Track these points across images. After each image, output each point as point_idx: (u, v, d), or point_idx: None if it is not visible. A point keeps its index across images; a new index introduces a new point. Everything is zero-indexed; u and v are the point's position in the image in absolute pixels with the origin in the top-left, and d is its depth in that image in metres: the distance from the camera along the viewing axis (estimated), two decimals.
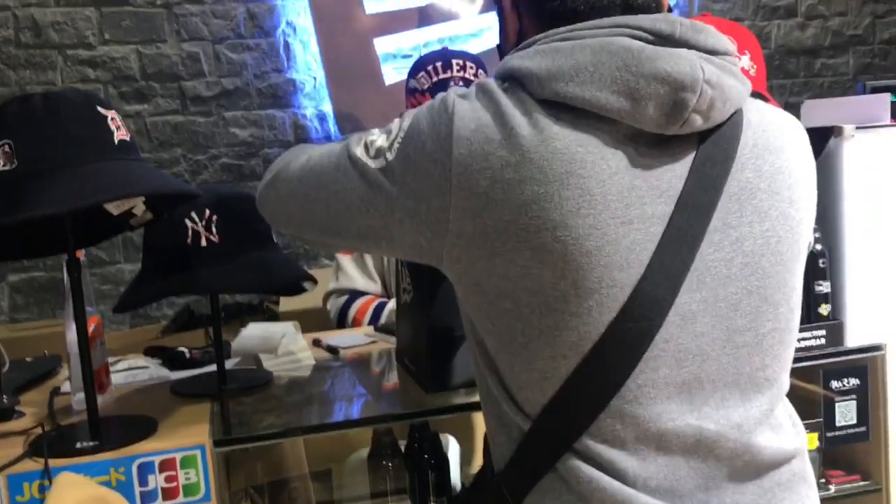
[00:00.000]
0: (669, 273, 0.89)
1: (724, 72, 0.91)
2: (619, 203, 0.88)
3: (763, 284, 0.94)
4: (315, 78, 3.38)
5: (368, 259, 2.12)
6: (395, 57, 3.44)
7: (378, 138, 0.99)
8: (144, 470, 1.22)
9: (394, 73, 3.43)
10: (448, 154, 0.90)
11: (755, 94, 1.67)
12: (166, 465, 1.23)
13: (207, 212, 1.45)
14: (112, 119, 1.21)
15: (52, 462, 1.19)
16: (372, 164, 0.97)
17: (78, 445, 1.24)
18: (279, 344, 1.75)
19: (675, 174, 0.91)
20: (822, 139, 1.56)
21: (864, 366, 1.60)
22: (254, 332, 1.77)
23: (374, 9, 3.36)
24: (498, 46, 1.10)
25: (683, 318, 0.90)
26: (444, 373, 1.36)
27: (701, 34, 0.92)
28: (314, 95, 3.39)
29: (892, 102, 1.69)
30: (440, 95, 0.96)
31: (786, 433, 0.99)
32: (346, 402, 1.48)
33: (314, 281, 1.55)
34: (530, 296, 0.89)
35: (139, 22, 3.28)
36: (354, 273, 2.13)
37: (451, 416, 1.43)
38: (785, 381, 1.00)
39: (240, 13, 3.33)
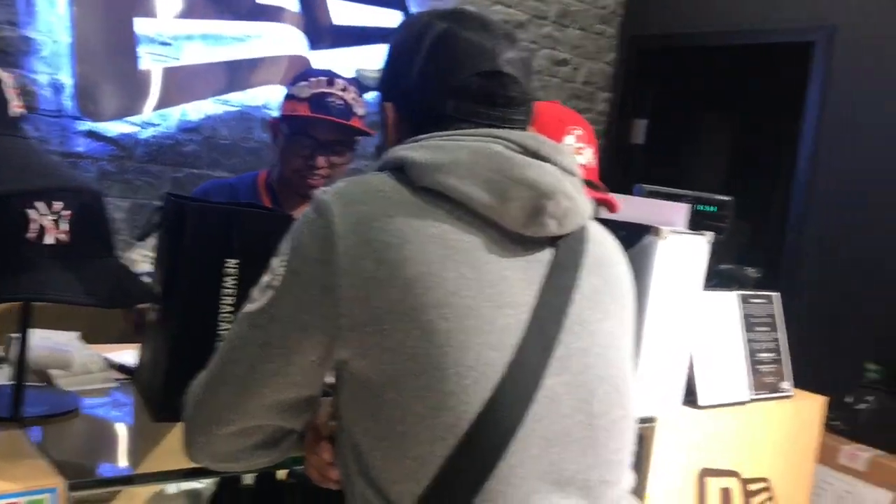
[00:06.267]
0: (536, 356, 0.98)
1: (576, 189, 1.06)
2: (492, 290, 0.97)
3: (612, 374, 1.06)
4: (56, 42, 2.96)
5: None
6: (153, 41, 3.14)
7: (265, 277, 1.02)
8: None
9: (148, 59, 3.13)
10: (332, 250, 0.95)
11: (589, 182, 1.84)
12: None
13: (59, 204, 1.22)
14: (7, 85, 0.99)
15: None
16: (258, 303, 1.00)
17: None
18: (73, 359, 1.52)
19: (537, 271, 1.02)
20: (637, 235, 1.76)
21: (640, 436, 1.82)
22: (38, 343, 1.50)
23: None
24: (378, 145, 1.20)
25: (551, 399, 0.98)
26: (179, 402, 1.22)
27: (559, 155, 1.06)
28: (52, 62, 2.96)
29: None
30: (313, 204, 1.01)
31: None
32: None
33: (158, 298, 1.37)
34: (415, 378, 0.93)
35: None
36: None
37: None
38: (631, 464, 1.11)
39: None
